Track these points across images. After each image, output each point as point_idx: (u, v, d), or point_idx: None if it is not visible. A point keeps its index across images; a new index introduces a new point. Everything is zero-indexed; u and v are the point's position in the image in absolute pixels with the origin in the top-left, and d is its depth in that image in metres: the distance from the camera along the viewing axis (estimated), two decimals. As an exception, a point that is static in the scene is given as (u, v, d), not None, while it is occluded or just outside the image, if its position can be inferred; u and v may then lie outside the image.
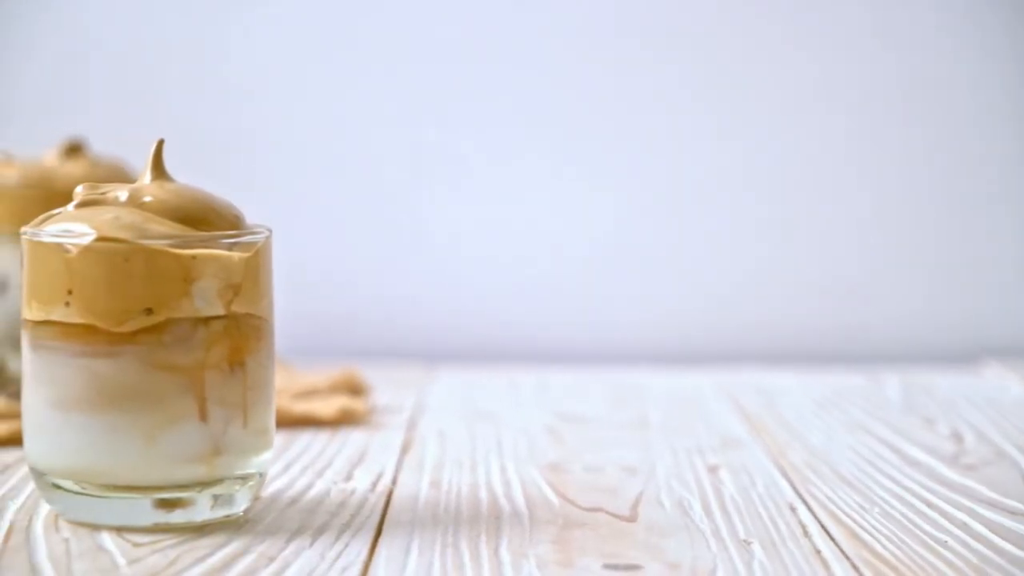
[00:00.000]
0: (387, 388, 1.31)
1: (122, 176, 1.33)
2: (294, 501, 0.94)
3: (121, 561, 0.81)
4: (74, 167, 1.32)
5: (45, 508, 0.90)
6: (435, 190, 1.53)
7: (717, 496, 0.96)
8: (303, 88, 1.53)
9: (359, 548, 0.84)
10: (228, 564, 0.81)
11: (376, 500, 0.95)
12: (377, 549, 0.84)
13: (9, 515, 0.89)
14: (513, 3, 1.52)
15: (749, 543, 0.86)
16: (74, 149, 1.34)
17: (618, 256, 1.53)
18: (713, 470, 1.03)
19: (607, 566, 0.81)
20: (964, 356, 1.50)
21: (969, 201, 1.53)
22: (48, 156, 1.35)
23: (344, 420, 1.17)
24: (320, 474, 1.01)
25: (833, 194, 1.53)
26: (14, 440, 1.08)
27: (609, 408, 1.26)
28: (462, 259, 1.54)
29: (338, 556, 0.83)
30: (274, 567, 0.80)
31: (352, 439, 1.12)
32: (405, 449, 1.09)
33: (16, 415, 1.11)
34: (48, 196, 1.27)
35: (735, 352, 1.51)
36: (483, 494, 0.96)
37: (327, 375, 1.27)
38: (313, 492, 0.96)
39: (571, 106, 1.53)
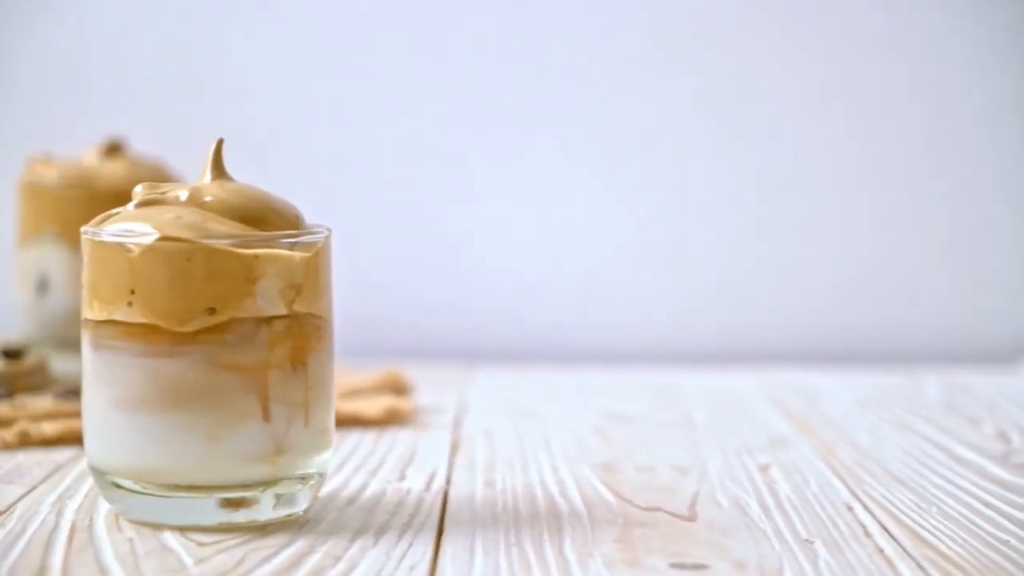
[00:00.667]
0: (428, 388, 1.32)
1: (162, 176, 1.33)
2: (351, 501, 0.94)
3: (188, 561, 0.80)
4: (114, 167, 1.33)
5: (104, 507, 0.90)
6: (472, 191, 1.53)
7: (772, 495, 0.96)
8: (335, 90, 1.53)
9: (423, 548, 0.84)
10: (295, 563, 0.81)
11: (433, 500, 0.94)
12: (441, 549, 0.84)
13: (69, 515, 0.89)
14: (537, 6, 1.52)
15: (811, 542, 0.85)
16: (114, 149, 1.34)
17: (653, 256, 1.53)
18: (764, 469, 1.03)
19: (674, 565, 0.81)
20: (1001, 356, 1.50)
21: (1009, 201, 1.52)
22: (88, 156, 1.35)
23: (390, 420, 1.17)
24: (373, 473, 1.01)
25: (873, 194, 1.53)
26: (65, 440, 1.08)
27: (652, 408, 1.26)
28: (498, 260, 1.53)
29: (403, 556, 0.82)
30: (341, 567, 0.80)
31: (400, 439, 1.12)
32: (454, 449, 1.09)
33: (65, 414, 1.11)
34: (88, 196, 1.28)
35: (772, 352, 1.51)
36: (538, 493, 0.96)
37: (371, 375, 1.27)
38: (369, 492, 0.96)
39: (611, 108, 1.53)
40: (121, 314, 0.84)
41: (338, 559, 0.82)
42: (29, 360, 1.24)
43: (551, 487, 0.98)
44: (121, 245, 0.84)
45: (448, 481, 0.99)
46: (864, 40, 1.51)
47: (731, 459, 1.06)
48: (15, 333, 1.35)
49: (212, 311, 0.84)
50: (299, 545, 0.84)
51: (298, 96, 1.54)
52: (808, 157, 1.53)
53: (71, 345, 1.29)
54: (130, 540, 0.84)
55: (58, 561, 0.80)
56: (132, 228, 0.85)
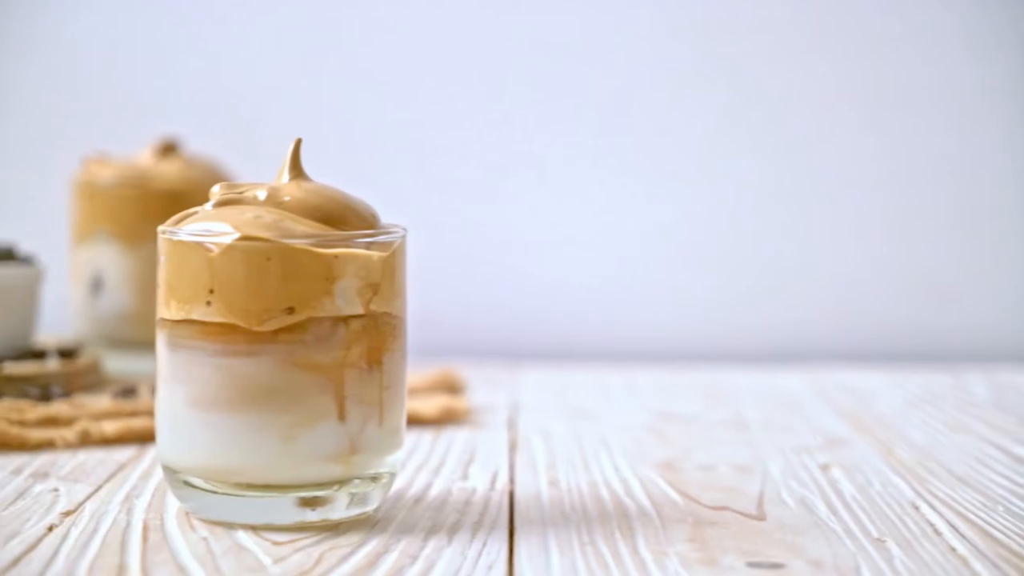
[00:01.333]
0: (477, 387, 1.32)
1: (216, 176, 1.34)
2: (419, 500, 0.94)
3: (266, 560, 0.81)
4: (168, 166, 1.33)
5: (174, 506, 0.91)
6: (518, 191, 1.54)
7: (837, 495, 0.96)
8: (379, 91, 1.54)
9: (498, 547, 0.84)
10: (373, 563, 0.81)
11: (499, 499, 0.95)
12: (516, 548, 0.84)
13: (140, 514, 0.90)
14: (586, 15, 1.53)
15: (883, 541, 0.86)
16: (168, 148, 1.35)
17: (695, 255, 1.54)
18: (825, 469, 1.04)
19: (750, 564, 0.81)
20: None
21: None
22: (142, 155, 1.35)
23: (446, 419, 1.17)
24: (436, 472, 1.02)
25: (919, 196, 1.53)
26: (124, 439, 1.08)
27: (704, 407, 1.26)
28: (541, 259, 1.54)
29: (479, 555, 0.83)
30: (419, 566, 0.81)
31: (458, 438, 1.13)
32: (512, 448, 1.10)
33: (124, 414, 1.12)
34: (143, 196, 1.28)
35: (816, 351, 1.51)
36: (604, 493, 0.97)
37: (425, 374, 1.27)
38: (435, 491, 0.97)
39: (656, 109, 1.53)
40: (199, 313, 0.85)
41: (415, 558, 0.82)
42: (83, 359, 1.24)
43: (615, 486, 0.98)
44: (201, 245, 0.85)
45: (511, 480, 1.00)
46: (911, 40, 1.51)
47: (791, 458, 1.06)
48: (68, 332, 1.36)
49: (291, 310, 0.84)
50: (374, 544, 0.84)
51: (343, 98, 1.54)
52: (856, 157, 1.53)
53: (124, 344, 1.30)
54: (204, 539, 0.85)
55: (135, 560, 0.81)
56: (211, 228, 0.85)
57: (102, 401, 1.15)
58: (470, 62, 1.53)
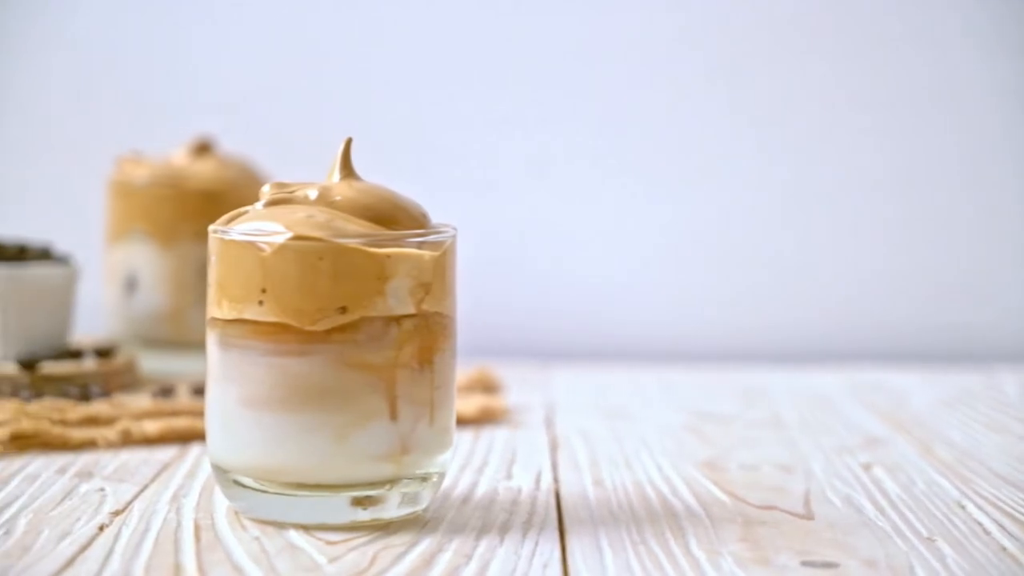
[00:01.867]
0: (511, 386, 1.32)
1: (251, 175, 1.34)
2: (466, 499, 0.94)
3: (321, 559, 0.81)
4: (203, 166, 1.33)
5: (222, 506, 0.91)
6: (547, 191, 1.54)
7: (883, 494, 0.96)
8: (411, 92, 1.54)
9: (550, 546, 0.84)
10: (428, 562, 0.81)
11: (546, 498, 0.95)
12: (568, 547, 0.84)
13: (189, 513, 0.90)
14: (622, 18, 1.53)
15: (933, 541, 0.86)
16: (203, 148, 1.35)
17: (727, 255, 1.54)
18: (867, 468, 1.04)
19: (805, 564, 0.81)
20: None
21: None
22: (177, 155, 1.35)
23: (485, 418, 1.17)
24: (480, 472, 1.02)
25: (949, 195, 1.53)
26: (166, 438, 1.09)
27: (741, 406, 1.26)
28: (574, 258, 1.54)
29: (532, 554, 0.83)
30: (474, 565, 0.81)
31: (498, 437, 1.13)
32: (553, 447, 1.10)
33: (164, 413, 1.12)
34: (178, 195, 1.28)
35: (848, 351, 1.51)
36: (650, 492, 0.97)
37: (461, 373, 1.27)
38: (481, 490, 0.97)
39: (690, 104, 1.53)
40: (251, 313, 0.85)
41: (469, 557, 0.82)
42: (119, 359, 1.24)
43: (660, 486, 0.98)
44: (253, 244, 0.85)
45: (556, 480, 1.00)
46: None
47: (832, 458, 1.07)
48: (101, 332, 1.36)
49: (343, 310, 0.84)
50: (427, 543, 0.84)
51: (376, 98, 1.54)
52: (889, 159, 1.53)
53: (158, 344, 1.30)
54: (257, 539, 0.85)
55: (190, 560, 0.81)
56: (263, 227, 0.85)
57: (142, 401, 1.15)
58: (501, 63, 1.53)
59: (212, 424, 0.88)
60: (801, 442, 1.12)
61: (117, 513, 0.89)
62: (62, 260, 1.24)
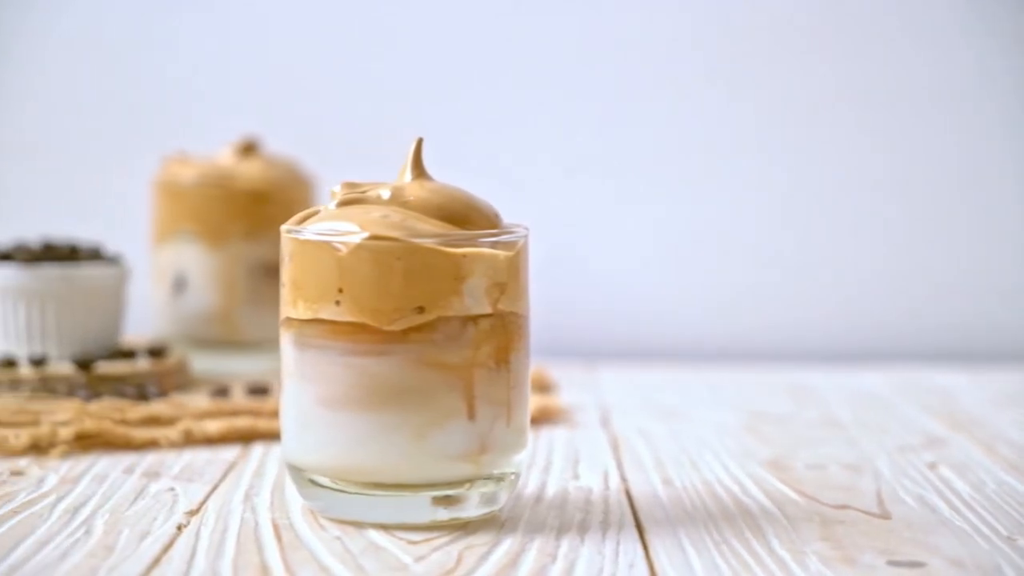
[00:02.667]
0: (560, 385, 1.32)
1: (297, 175, 1.34)
2: (538, 499, 0.94)
3: (406, 559, 0.81)
4: (249, 166, 1.33)
5: (296, 505, 0.90)
6: (593, 190, 1.54)
7: (954, 493, 0.96)
8: (447, 92, 1.54)
9: (632, 546, 0.84)
10: (513, 561, 0.81)
11: (617, 498, 0.95)
12: (651, 547, 0.84)
13: (265, 513, 0.90)
14: (667, 22, 1.53)
15: (1014, 540, 0.86)
16: (249, 148, 1.35)
17: (767, 256, 1.54)
18: (933, 467, 1.03)
19: (890, 563, 0.81)
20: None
21: None
22: (223, 155, 1.35)
23: (543, 418, 1.17)
24: (547, 471, 1.02)
25: (991, 193, 1.53)
26: (227, 438, 1.08)
27: (794, 406, 1.26)
28: (618, 259, 1.54)
29: (616, 554, 0.83)
30: (560, 565, 0.81)
31: (557, 437, 1.13)
32: (615, 447, 1.09)
33: (223, 413, 1.12)
34: (225, 195, 1.28)
35: (889, 351, 1.51)
36: (720, 491, 0.96)
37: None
38: (551, 490, 0.97)
39: (727, 104, 1.53)
40: (328, 313, 0.85)
41: (554, 557, 0.82)
42: (172, 359, 1.24)
43: (730, 485, 0.98)
44: (329, 244, 0.84)
45: (623, 479, 0.99)
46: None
47: (897, 457, 1.06)
48: (149, 332, 1.36)
49: (420, 310, 0.84)
50: (509, 543, 0.84)
51: (412, 98, 1.54)
52: (929, 157, 1.53)
53: (206, 344, 1.30)
54: (338, 538, 0.84)
55: (276, 559, 0.81)
56: (337, 227, 0.85)
57: (200, 401, 1.15)
58: (553, 62, 1.53)
59: (288, 424, 0.88)
60: (862, 441, 1.11)
61: (192, 513, 0.89)
62: (113, 260, 1.24)
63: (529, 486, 0.97)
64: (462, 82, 1.53)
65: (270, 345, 1.32)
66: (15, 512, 0.89)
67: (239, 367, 1.30)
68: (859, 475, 1.01)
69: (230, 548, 0.82)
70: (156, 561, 0.80)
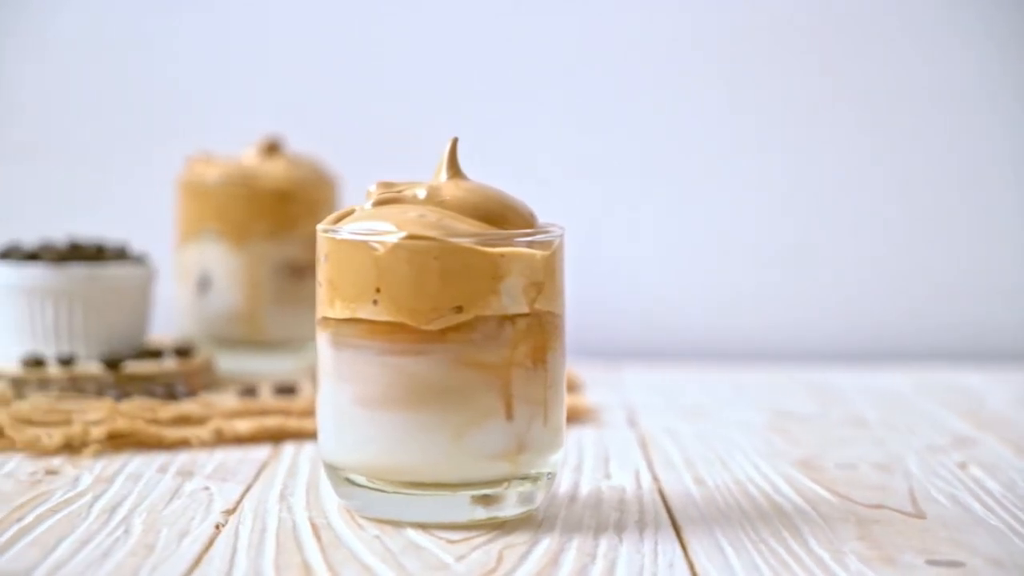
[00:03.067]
0: (585, 385, 1.32)
1: (321, 175, 1.34)
2: (573, 498, 0.94)
3: (447, 558, 0.81)
4: (273, 165, 1.33)
5: (332, 504, 0.91)
6: (617, 190, 1.54)
7: (986, 493, 0.96)
8: (470, 89, 1.53)
9: (670, 545, 0.84)
10: (554, 560, 0.81)
11: (651, 497, 0.95)
12: (688, 546, 0.84)
13: (302, 512, 0.90)
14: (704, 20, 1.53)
15: (1049, 539, 0.86)
16: (272, 148, 1.35)
17: (788, 256, 1.54)
18: (963, 467, 1.03)
19: (929, 562, 0.81)
20: None
21: None
22: (247, 154, 1.35)
23: (572, 417, 1.17)
24: (578, 471, 1.02)
25: (990, 195, 1.53)
26: (257, 437, 1.08)
27: (819, 406, 1.26)
28: (640, 259, 1.54)
29: (655, 553, 0.83)
30: (600, 564, 0.81)
31: (586, 436, 1.13)
32: (643, 446, 1.09)
33: (253, 412, 1.12)
34: (251, 195, 1.28)
35: (910, 350, 1.51)
36: (752, 491, 0.97)
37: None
38: (584, 489, 0.97)
39: (753, 101, 1.53)
40: (366, 312, 0.85)
41: (593, 556, 0.82)
42: (198, 358, 1.24)
43: (761, 484, 0.98)
44: (366, 244, 0.85)
45: (655, 479, 1.00)
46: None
47: (926, 457, 1.06)
48: (173, 331, 1.36)
49: (459, 309, 0.84)
50: (548, 542, 0.84)
51: (433, 98, 1.54)
52: (959, 157, 1.53)
53: (231, 343, 1.30)
54: (377, 537, 0.85)
55: (317, 558, 0.81)
56: (374, 227, 0.85)
57: (228, 400, 1.15)
58: (549, 64, 1.53)
59: (325, 423, 0.88)
60: (890, 441, 1.12)
61: (229, 512, 0.89)
62: (139, 260, 1.24)
63: (563, 485, 0.97)
64: (480, 82, 1.53)
65: (294, 345, 1.32)
66: (53, 511, 0.89)
67: (264, 367, 1.30)
68: (890, 475, 1.01)
69: (270, 547, 0.82)
70: (198, 560, 0.80)
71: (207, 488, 0.95)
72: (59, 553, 0.81)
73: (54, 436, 1.03)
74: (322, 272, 0.87)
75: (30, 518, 0.87)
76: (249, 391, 1.18)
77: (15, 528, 0.85)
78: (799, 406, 1.25)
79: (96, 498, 0.92)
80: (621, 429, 1.16)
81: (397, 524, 0.86)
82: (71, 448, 1.04)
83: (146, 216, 1.45)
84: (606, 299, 1.53)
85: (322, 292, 0.87)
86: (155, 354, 1.22)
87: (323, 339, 0.87)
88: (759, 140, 1.53)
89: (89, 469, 1.00)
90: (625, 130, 1.54)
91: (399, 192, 0.87)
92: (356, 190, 1.35)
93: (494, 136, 1.52)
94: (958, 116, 1.52)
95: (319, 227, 0.88)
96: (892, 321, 1.53)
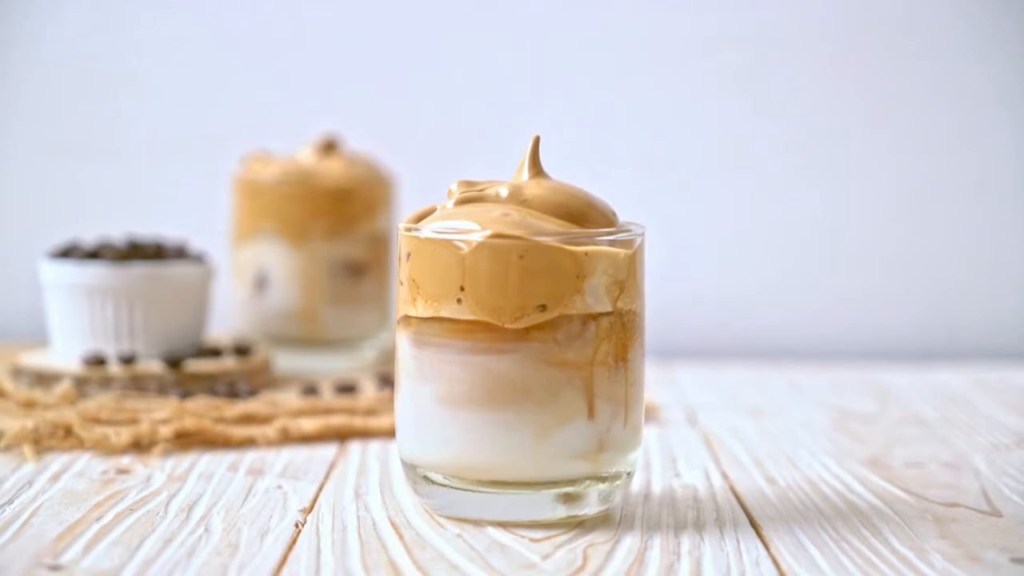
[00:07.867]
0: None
1: (378, 174, 1.34)
2: (646, 497, 0.94)
3: (534, 557, 0.81)
4: (331, 164, 1.33)
5: (408, 503, 0.91)
6: (670, 190, 1.54)
7: (1060, 491, 0.96)
8: (510, 91, 1.54)
9: (752, 544, 0.84)
10: (640, 559, 0.81)
11: (724, 495, 0.95)
12: (770, 544, 0.84)
13: (379, 511, 0.90)
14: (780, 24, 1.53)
15: None
16: (330, 146, 1.35)
17: (844, 254, 1.54)
18: (1032, 465, 1.03)
19: (1014, 560, 0.81)
20: None
21: None
22: (304, 153, 1.35)
23: (634, 416, 1.17)
24: (648, 469, 1.02)
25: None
26: (323, 436, 1.08)
27: (877, 405, 1.26)
28: (692, 257, 1.54)
29: (739, 552, 0.83)
30: (687, 562, 0.81)
31: (650, 435, 1.13)
32: (708, 445, 1.09)
33: (317, 411, 1.12)
34: (309, 193, 1.28)
35: (959, 349, 1.51)
36: (826, 490, 0.97)
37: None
38: (657, 488, 0.97)
39: (815, 105, 1.53)
40: (449, 311, 0.85)
41: (678, 555, 0.82)
42: (258, 357, 1.24)
43: (833, 483, 0.98)
44: (450, 243, 0.85)
45: (725, 477, 1.00)
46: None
47: (992, 455, 1.06)
48: (229, 329, 1.36)
49: (543, 308, 0.84)
50: (631, 541, 0.84)
51: (487, 96, 1.54)
52: (1002, 161, 1.53)
53: (288, 342, 1.30)
54: (459, 536, 0.85)
55: (403, 558, 0.81)
56: (457, 226, 0.85)
57: (291, 398, 1.15)
58: (634, 60, 1.53)
59: (404, 421, 0.88)
60: (954, 440, 1.12)
61: (307, 511, 0.89)
62: (198, 258, 1.24)
63: (635, 484, 0.97)
64: (538, 80, 1.54)
65: (351, 343, 1.32)
66: (131, 510, 0.89)
67: (320, 365, 1.30)
68: (960, 473, 1.01)
69: (354, 546, 0.83)
70: (284, 559, 0.80)
71: (280, 487, 0.95)
72: (144, 552, 0.81)
73: (122, 435, 1.03)
74: (403, 271, 0.87)
75: (109, 516, 0.88)
76: (311, 390, 1.18)
77: (96, 527, 0.85)
78: (859, 405, 1.25)
79: (171, 497, 0.92)
80: (683, 428, 1.16)
81: (477, 523, 0.86)
82: (139, 447, 1.04)
83: (204, 215, 1.45)
84: (660, 297, 1.53)
85: (404, 291, 0.87)
86: (215, 353, 1.22)
87: (404, 338, 0.87)
88: (835, 140, 1.53)
89: (160, 468, 1.00)
90: (692, 128, 1.53)
91: (481, 191, 0.88)
92: (413, 189, 1.35)
93: (556, 134, 1.52)
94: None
95: (401, 225, 0.88)
96: (940, 321, 1.53)
